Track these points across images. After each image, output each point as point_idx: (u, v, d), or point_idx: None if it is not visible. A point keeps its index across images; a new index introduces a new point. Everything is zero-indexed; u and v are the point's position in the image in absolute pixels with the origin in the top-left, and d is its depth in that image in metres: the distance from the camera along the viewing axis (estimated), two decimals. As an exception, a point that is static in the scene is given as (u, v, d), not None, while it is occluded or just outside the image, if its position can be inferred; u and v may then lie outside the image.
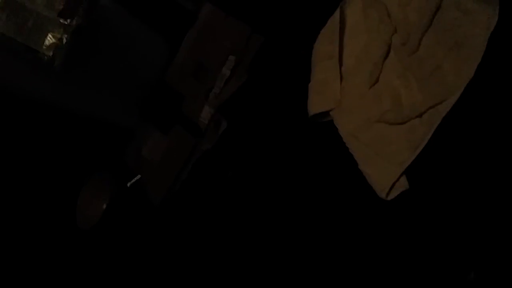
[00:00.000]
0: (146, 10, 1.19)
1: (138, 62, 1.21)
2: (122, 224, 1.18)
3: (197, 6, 1.17)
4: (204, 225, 1.08)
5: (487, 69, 0.75)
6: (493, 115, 0.77)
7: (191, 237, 1.10)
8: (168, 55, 1.22)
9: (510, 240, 0.72)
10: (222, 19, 1.12)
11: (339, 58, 0.93)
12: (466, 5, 0.79)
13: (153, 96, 1.22)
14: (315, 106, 0.96)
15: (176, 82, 1.17)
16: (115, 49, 1.15)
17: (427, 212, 0.80)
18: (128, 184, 1.18)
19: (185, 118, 1.15)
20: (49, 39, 1.02)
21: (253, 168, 1.04)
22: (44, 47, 1.02)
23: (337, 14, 0.94)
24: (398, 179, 0.83)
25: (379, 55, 0.89)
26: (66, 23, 1.02)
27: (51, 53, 1.01)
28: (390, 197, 0.83)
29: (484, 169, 0.76)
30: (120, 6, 1.15)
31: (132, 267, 1.16)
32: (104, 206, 1.16)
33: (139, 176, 1.18)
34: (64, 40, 1.03)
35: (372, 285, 0.84)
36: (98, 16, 1.09)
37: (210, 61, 1.12)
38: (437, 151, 0.80)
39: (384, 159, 0.86)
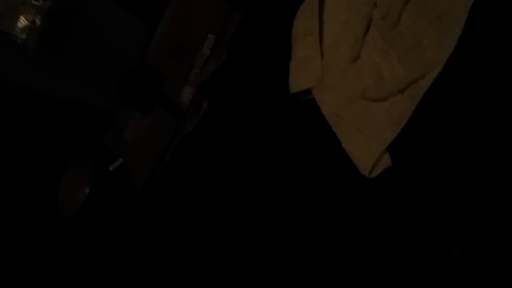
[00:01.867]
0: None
1: (116, 44, 1.18)
2: (105, 208, 1.17)
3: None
4: (187, 208, 1.08)
5: (468, 42, 0.74)
6: (474, 89, 0.76)
7: (175, 220, 1.09)
8: (147, 36, 1.19)
9: (493, 215, 0.72)
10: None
11: (320, 34, 0.92)
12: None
13: (133, 78, 1.20)
14: (296, 84, 0.94)
15: (156, 63, 1.15)
16: (91, 30, 1.12)
17: (410, 188, 0.80)
18: (111, 168, 1.16)
19: (166, 99, 1.13)
20: (22, 21, 0.99)
21: (235, 148, 1.03)
22: (17, 29, 0.99)
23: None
24: (381, 156, 0.82)
25: (360, 31, 0.88)
26: (38, 4, 1.00)
27: (24, 36, 0.99)
28: (373, 175, 0.83)
29: (466, 144, 0.76)
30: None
31: (116, 252, 1.15)
32: (87, 191, 1.14)
33: (121, 159, 1.16)
34: (38, 22, 1.00)
35: (356, 261, 0.84)
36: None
37: (189, 40, 1.10)
38: (419, 126, 0.79)
39: (366, 137, 0.85)
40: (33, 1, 0.99)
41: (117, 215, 1.16)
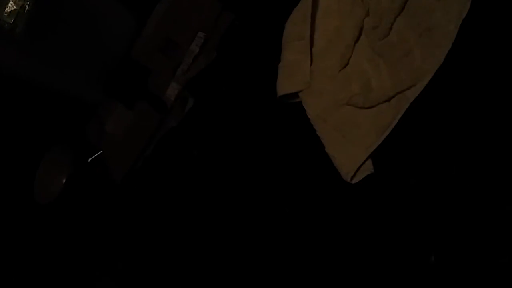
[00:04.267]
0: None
1: (104, 34, 1.17)
2: (82, 199, 1.16)
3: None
4: (166, 203, 1.07)
5: (457, 56, 0.76)
6: (461, 102, 0.78)
7: (153, 214, 1.09)
8: (136, 29, 1.19)
9: (469, 224, 0.73)
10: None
11: (310, 39, 0.92)
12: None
13: (118, 70, 1.19)
14: (284, 87, 0.95)
15: (143, 57, 1.14)
16: (80, 19, 1.12)
17: (390, 196, 0.81)
18: (89, 159, 1.15)
19: (151, 94, 1.12)
20: (10, 6, 0.98)
21: (219, 147, 1.03)
22: (5, 14, 0.98)
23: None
24: (363, 163, 0.83)
25: (351, 38, 0.89)
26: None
27: (12, 20, 0.98)
28: (355, 181, 0.84)
29: (448, 156, 0.77)
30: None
31: (91, 244, 1.14)
32: (64, 180, 1.13)
33: (101, 151, 1.16)
34: (26, 7, 0.99)
35: (334, 266, 0.85)
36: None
37: (179, 36, 1.10)
38: (403, 136, 0.80)
39: (350, 143, 0.86)
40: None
41: (94, 206, 1.15)
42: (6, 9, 0.99)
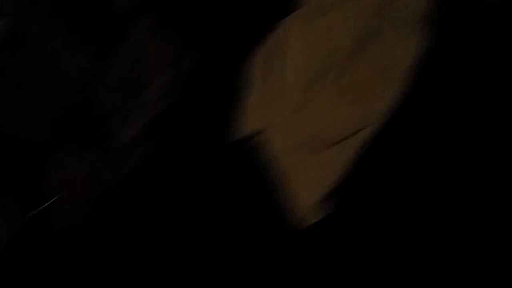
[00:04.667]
0: (78, 20, 1.15)
1: (62, 77, 1.15)
2: (29, 250, 1.09)
3: (132, 19, 1.14)
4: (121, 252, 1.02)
5: (415, 94, 0.78)
6: (419, 140, 0.79)
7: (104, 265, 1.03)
8: (96, 69, 1.17)
9: (452, 237, 0.73)
10: (157, 33, 1.10)
11: (270, 79, 0.94)
12: (395, 33, 0.82)
13: (75, 113, 1.16)
14: (246, 126, 0.95)
15: (103, 97, 1.12)
16: (35, 62, 1.10)
17: (351, 235, 0.80)
18: (32, 213, 1.10)
19: (105, 138, 1.10)
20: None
21: (179, 192, 1.00)
22: None
23: (274, 35, 0.96)
24: (323, 201, 0.83)
25: (309, 79, 0.90)
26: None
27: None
28: (315, 219, 0.83)
29: (407, 191, 0.78)
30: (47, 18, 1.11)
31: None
32: (11, 231, 1.08)
33: (48, 202, 1.11)
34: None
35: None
36: (17, 29, 1.05)
37: (141, 77, 1.09)
38: (363, 174, 0.81)
39: (309, 182, 0.85)
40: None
41: (41, 259, 1.09)
42: None
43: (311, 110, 0.90)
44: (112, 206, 1.07)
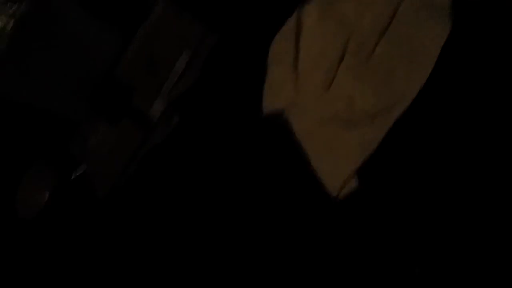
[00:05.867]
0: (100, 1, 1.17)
1: (88, 53, 1.18)
2: (64, 215, 1.14)
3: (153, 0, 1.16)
4: (148, 221, 1.07)
5: (439, 76, 0.79)
6: (442, 121, 0.81)
7: (134, 233, 1.08)
8: (121, 47, 1.19)
9: (452, 237, 0.76)
10: (177, 14, 1.12)
11: (295, 59, 0.95)
12: (420, 18, 0.83)
13: (102, 88, 1.19)
14: (269, 104, 0.97)
15: (128, 75, 1.15)
16: (64, 38, 1.12)
17: (375, 210, 0.83)
18: (73, 176, 1.15)
19: (135, 112, 1.13)
20: (-9, 27, 0.99)
21: (204, 165, 1.04)
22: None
23: (295, 16, 0.97)
24: (348, 179, 0.86)
25: (334, 59, 0.92)
26: (11, 10, 1.00)
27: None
28: (340, 196, 0.86)
29: (431, 171, 0.80)
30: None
31: (73, 259, 1.13)
32: (46, 196, 1.12)
33: (84, 167, 1.15)
34: (9, 26, 1.00)
35: (320, 283, 0.86)
36: (46, 4, 1.06)
37: (164, 55, 1.12)
38: (387, 153, 0.83)
39: (336, 159, 0.88)
40: (6, 6, 0.99)
41: (76, 223, 1.14)
42: (-14, 30, 0.99)
43: (339, 88, 0.92)
44: (142, 176, 1.12)
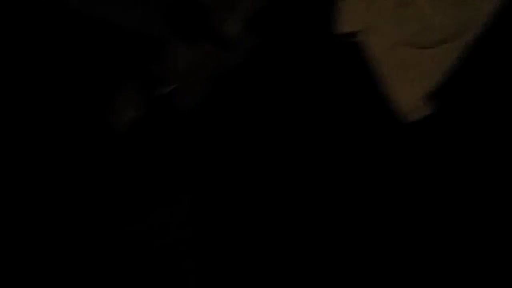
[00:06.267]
0: None
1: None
2: (154, 129, 1.21)
3: None
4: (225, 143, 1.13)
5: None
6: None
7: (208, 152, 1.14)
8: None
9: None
10: None
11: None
12: None
13: (179, 5, 1.21)
14: (342, 25, 0.97)
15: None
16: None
17: (449, 137, 0.83)
18: (162, 92, 1.20)
19: (212, 31, 1.15)
20: None
21: (280, 84, 1.06)
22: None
23: None
24: (423, 102, 0.86)
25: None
26: None
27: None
28: (412, 119, 0.87)
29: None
30: None
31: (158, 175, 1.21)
32: (136, 112, 1.19)
33: (167, 87, 1.21)
34: None
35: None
36: None
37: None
38: (465, 77, 0.82)
39: (410, 81, 0.89)
40: None
41: (167, 135, 1.20)
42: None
43: (414, 9, 0.90)
44: (224, 94, 1.16)
